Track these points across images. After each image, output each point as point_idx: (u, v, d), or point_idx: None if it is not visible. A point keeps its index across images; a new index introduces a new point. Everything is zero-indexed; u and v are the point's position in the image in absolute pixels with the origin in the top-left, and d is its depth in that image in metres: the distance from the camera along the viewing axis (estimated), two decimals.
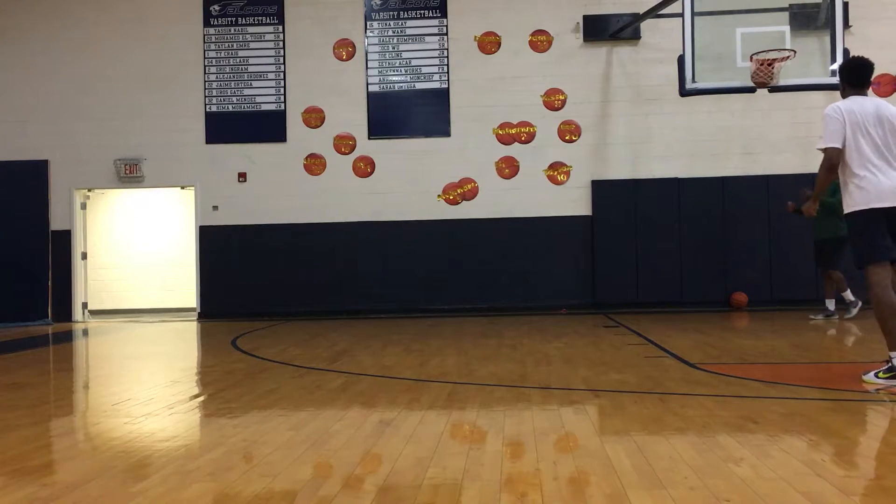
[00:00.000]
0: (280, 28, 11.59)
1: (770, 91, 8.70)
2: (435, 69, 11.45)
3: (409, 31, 11.49)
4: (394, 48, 11.50)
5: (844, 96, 4.86)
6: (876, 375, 4.55)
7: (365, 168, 11.46)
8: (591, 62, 11.35)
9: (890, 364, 4.49)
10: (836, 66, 8.75)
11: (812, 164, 9.43)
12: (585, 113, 11.29)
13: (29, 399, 4.84)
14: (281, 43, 11.59)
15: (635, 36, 11.21)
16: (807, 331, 7.99)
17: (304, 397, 4.65)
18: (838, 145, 4.62)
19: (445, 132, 11.39)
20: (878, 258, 4.55)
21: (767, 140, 10.98)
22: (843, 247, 8.58)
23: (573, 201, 11.23)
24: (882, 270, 4.55)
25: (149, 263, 13.53)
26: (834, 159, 4.64)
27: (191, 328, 10.47)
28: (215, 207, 11.53)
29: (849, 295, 8.96)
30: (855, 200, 4.58)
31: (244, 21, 11.63)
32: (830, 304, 9.04)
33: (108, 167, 11.59)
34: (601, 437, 3.46)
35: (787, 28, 9.13)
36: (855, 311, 8.91)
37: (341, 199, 11.40)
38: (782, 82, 8.46)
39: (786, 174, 10.63)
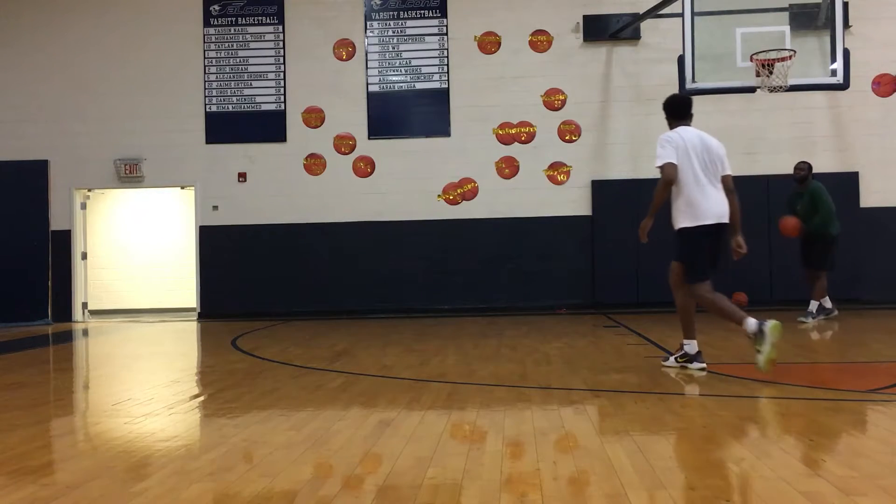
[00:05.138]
0: (280, 28, 11.59)
1: (770, 91, 8.71)
2: (435, 69, 11.45)
3: (409, 31, 11.49)
4: (394, 48, 11.49)
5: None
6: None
7: (365, 168, 11.46)
8: (591, 62, 11.35)
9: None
10: (836, 66, 8.77)
11: (812, 164, 9.46)
12: (585, 113, 11.29)
13: (29, 399, 4.85)
14: (281, 43, 11.59)
15: (635, 36, 11.21)
16: (807, 331, 7.99)
17: (304, 397, 4.65)
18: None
19: (445, 132, 11.39)
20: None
21: (767, 140, 10.98)
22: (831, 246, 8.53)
23: (573, 201, 11.22)
24: None
25: (149, 263, 13.54)
26: None
27: (191, 328, 10.47)
28: (215, 207, 11.52)
29: (814, 306, 8.72)
30: None
31: (244, 21, 11.62)
32: (827, 302, 8.83)
33: (108, 167, 11.59)
34: (601, 437, 3.46)
35: (787, 28, 9.13)
36: (811, 321, 8.64)
37: (341, 199, 11.40)
38: (778, 82, 8.50)
39: (786, 174, 10.62)
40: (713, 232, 5.17)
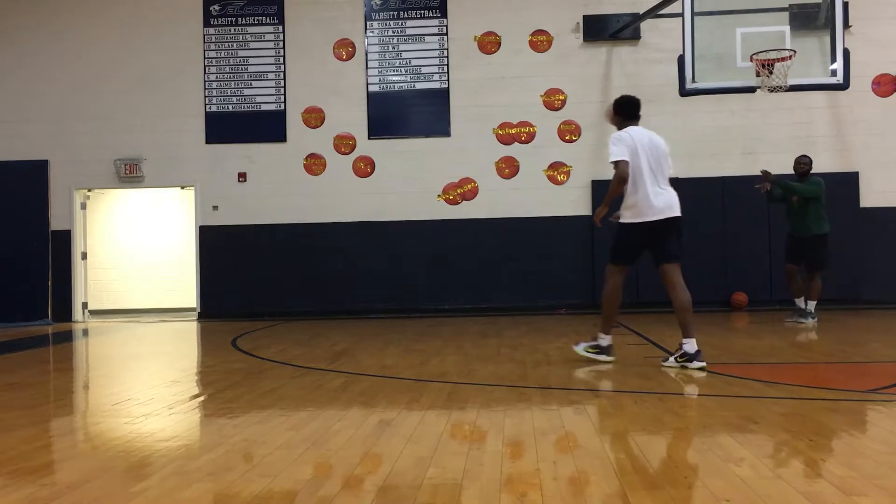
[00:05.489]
0: (280, 28, 11.59)
1: (770, 91, 8.71)
2: (435, 69, 11.45)
3: (409, 31, 11.49)
4: (394, 48, 11.50)
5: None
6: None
7: (365, 168, 11.46)
8: (591, 62, 11.35)
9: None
10: (836, 66, 8.76)
11: (814, 164, 9.47)
12: (585, 113, 11.29)
13: (29, 399, 4.85)
14: (281, 43, 11.59)
15: (635, 36, 11.21)
16: (807, 331, 7.99)
17: (304, 397, 4.65)
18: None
19: (445, 132, 11.39)
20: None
21: (767, 140, 10.98)
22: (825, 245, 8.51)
23: (573, 201, 11.22)
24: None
25: (149, 263, 13.54)
26: None
27: (191, 328, 10.47)
28: (215, 207, 11.53)
29: (812, 307, 8.61)
30: None
31: (244, 21, 11.62)
32: (802, 303, 8.71)
33: (108, 167, 11.59)
34: (601, 437, 3.46)
35: (787, 28, 9.13)
36: (810, 321, 8.57)
37: (341, 199, 11.40)
38: (778, 82, 8.50)
39: (786, 174, 10.63)
40: (657, 227, 5.47)
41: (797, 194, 8.49)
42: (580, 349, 5.87)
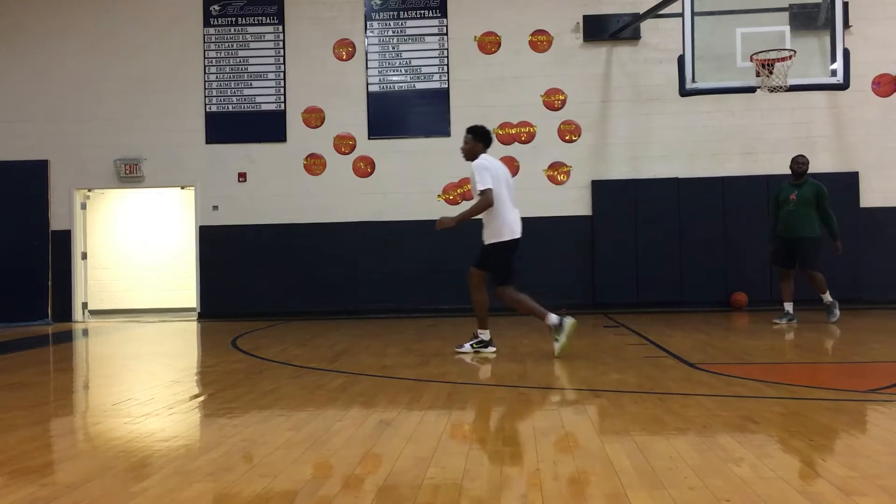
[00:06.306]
0: (280, 28, 11.59)
1: (770, 91, 8.71)
2: (435, 69, 11.45)
3: (409, 31, 11.49)
4: (394, 48, 11.50)
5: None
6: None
7: (365, 168, 11.46)
8: (591, 62, 11.34)
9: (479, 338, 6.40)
10: (836, 66, 8.76)
11: (812, 164, 9.47)
12: (585, 113, 11.29)
13: (29, 399, 4.85)
14: (281, 43, 11.59)
15: (635, 36, 11.21)
16: (807, 331, 7.99)
17: (304, 397, 4.65)
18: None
19: (445, 132, 11.38)
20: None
21: (767, 140, 10.98)
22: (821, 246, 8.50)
23: (573, 201, 11.22)
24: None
25: (149, 263, 13.54)
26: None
27: (191, 328, 10.47)
28: (215, 207, 11.52)
29: (828, 296, 8.55)
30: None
31: (244, 21, 11.62)
32: (791, 307, 8.60)
33: (108, 167, 11.59)
34: (601, 437, 3.46)
35: (787, 28, 9.14)
36: (837, 312, 8.53)
37: (341, 199, 11.40)
38: (778, 82, 8.51)
39: (785, 174, 10.64)
40: (516, 245, 6.24)
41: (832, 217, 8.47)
42: (556, 348, 6.10)
